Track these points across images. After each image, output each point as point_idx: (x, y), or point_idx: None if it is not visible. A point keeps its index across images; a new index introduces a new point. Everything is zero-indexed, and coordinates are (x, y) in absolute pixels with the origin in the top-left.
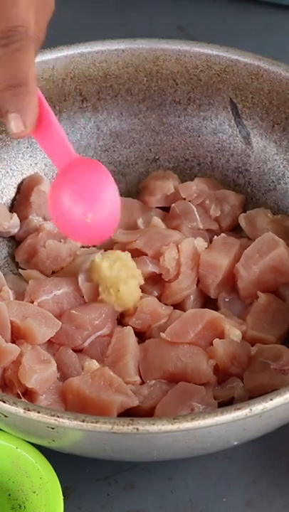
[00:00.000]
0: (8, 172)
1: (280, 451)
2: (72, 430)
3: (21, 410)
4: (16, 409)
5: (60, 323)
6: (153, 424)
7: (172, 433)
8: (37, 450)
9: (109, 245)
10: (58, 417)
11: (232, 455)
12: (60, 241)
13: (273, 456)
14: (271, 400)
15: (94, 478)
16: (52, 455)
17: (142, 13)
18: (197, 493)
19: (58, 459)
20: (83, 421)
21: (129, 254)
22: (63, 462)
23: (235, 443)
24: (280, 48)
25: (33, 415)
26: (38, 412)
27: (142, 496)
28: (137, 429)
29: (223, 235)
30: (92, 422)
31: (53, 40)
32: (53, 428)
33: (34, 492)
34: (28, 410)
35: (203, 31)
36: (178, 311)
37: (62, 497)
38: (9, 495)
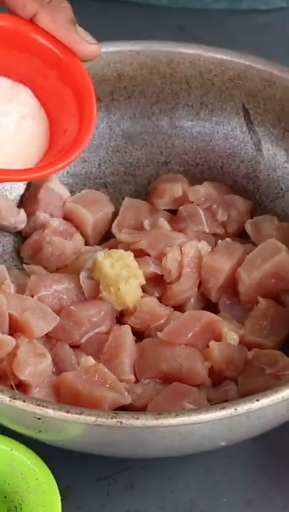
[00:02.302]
0: None
1: (281, 451)
2: (58, 421)
3: (7, 398)
4: (2, 398)
5: (59, 318)
6: (137, 418)
7: (156, 429)
8: (32, 451)
9: (113, 244)
10: (42, 406)
11: (232, 454)
12: (66, 238)
13: (274, 456)
14: (257, 400)
15: (94, 478)
16: (51, 455)
17: (142, 13)
18: (197, 493)
19: (57, 458)
20: (68, 412)
21: (132, 254)
22: (63, 462)
23: (223, 443)
24: (279, 48)
25: (19, 404)
26: (24, 401)
27: (142, 496)
28: (121, 422)
29: (227, 239)
30: (77, 414)
31: None
32: (39, 418)
33: (30, 493)
34: (14, 399)
35: (203, 31)
36: (177, 312)
37: (59, 497)
38: (5, 497)
